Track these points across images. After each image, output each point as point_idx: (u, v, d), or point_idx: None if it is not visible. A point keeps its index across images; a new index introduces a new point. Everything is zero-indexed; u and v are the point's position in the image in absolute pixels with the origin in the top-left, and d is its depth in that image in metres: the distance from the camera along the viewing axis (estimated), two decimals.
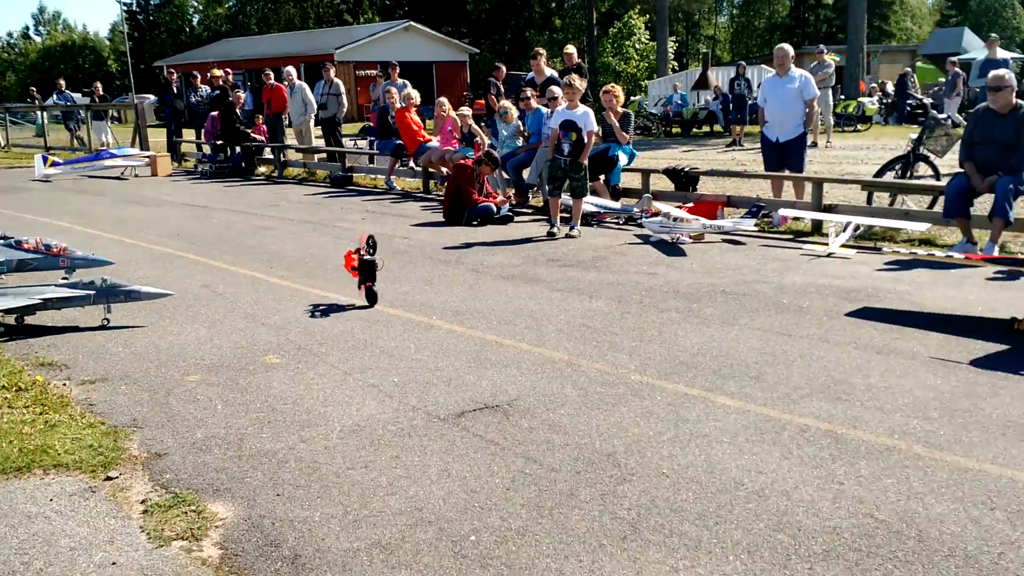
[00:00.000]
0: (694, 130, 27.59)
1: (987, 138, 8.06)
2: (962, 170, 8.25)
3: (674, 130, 27.66)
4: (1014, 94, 8.13)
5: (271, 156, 18.47)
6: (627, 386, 5.04)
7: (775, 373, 5.18)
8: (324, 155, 17.90)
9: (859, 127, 25.11)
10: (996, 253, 7.78)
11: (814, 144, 19.81)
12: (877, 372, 5.13)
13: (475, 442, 4.28)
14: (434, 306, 6.98)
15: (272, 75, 18.53)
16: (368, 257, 6.89)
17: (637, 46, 38.06)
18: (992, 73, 8.25)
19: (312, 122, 18.15)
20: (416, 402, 4.86)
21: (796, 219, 10.36)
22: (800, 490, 3.67)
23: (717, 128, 26.84)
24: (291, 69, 18.10)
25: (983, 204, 8.30)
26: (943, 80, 25.77)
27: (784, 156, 10.95)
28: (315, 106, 17.89)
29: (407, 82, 16.56)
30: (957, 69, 22.78)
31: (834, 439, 4.18)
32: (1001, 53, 18.27)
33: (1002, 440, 4.08)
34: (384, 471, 3.98)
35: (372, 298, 7.00)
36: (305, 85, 18.16)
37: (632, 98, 32.38)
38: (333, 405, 4.85)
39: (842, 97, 27.70)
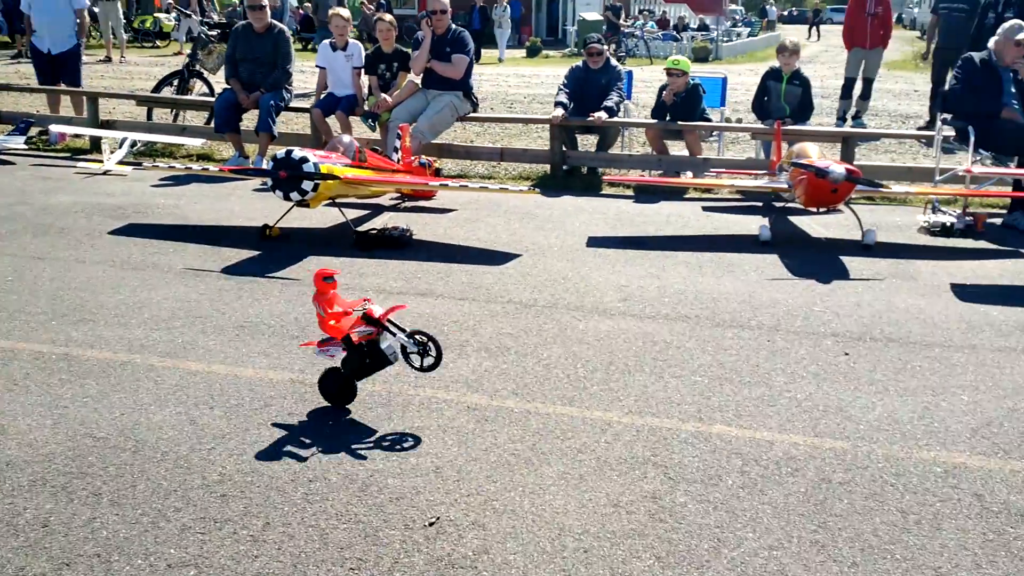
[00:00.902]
0: None
1: (247, 55, 8.38)
2: (229, 86, 8.48)
3: None
4: (270, 14, 8.53)
5: None
6: None
7: (18, 301, 4.77)
8: None
9: (158, 43, 24.60)
10: (264, 166, 8.18)
11: (107, 59, 18.93)
12: (129, 288, 5.03)
13: None
14: None
15: None
16: (391, 347, 3.49)
17: None
18: None
19: None
20: None
21: (76, 136, 9.73)
22: (22, 421, 3.40)
23: (4, 38, 23.93)
24: None
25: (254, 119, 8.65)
26: (237, 0, 26.47)
27: (58, 69, 10.11)
28: None
29: None
30: None
31: (68, 362, 3.97)
32: None
33: (235, 341, 4.30)
34: None
35: (348, 392, 3.60)
36: None
37: None
38: None
39: (138, 12, 26.81)
